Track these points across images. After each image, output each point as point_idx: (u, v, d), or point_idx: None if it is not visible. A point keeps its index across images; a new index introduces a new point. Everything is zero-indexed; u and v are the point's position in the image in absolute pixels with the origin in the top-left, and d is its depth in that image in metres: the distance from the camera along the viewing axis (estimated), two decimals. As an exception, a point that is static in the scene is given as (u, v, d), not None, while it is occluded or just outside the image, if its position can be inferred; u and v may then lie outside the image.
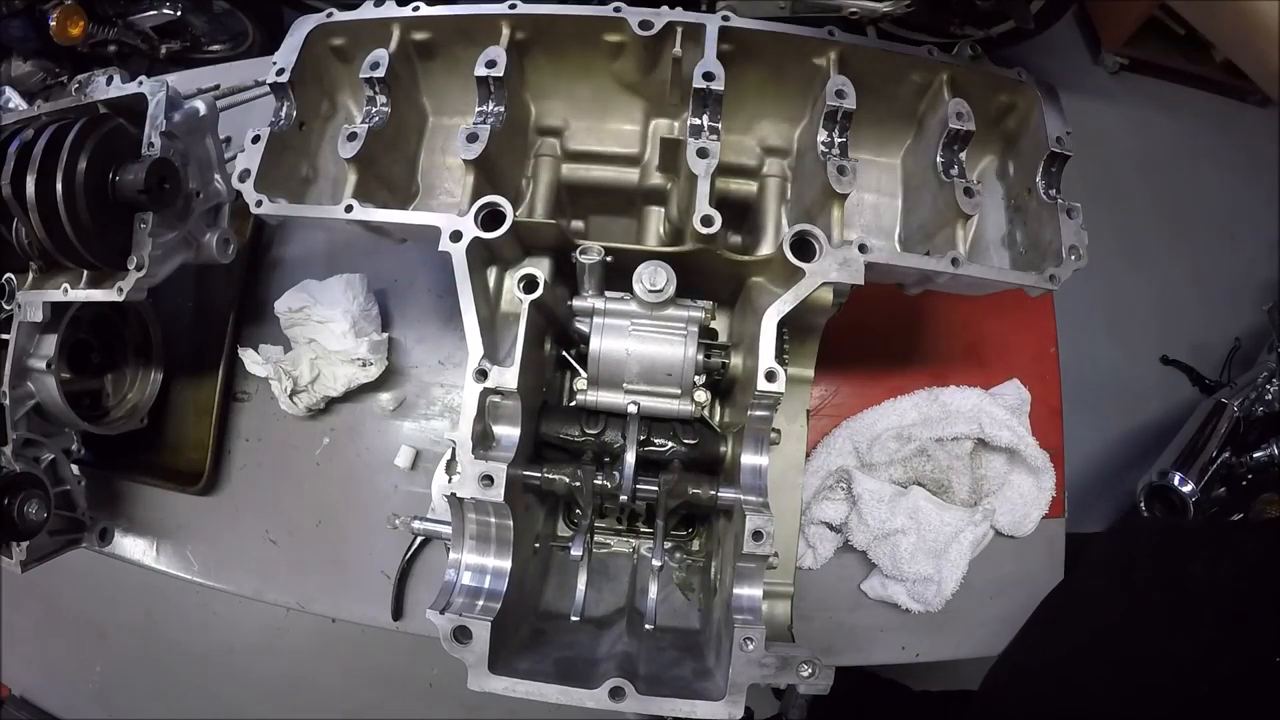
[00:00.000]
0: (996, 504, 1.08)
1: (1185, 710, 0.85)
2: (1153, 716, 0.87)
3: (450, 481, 0.69)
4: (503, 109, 0.85)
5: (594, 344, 0.79)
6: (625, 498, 0.76)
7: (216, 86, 1.24)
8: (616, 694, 0.64)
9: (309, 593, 1.15)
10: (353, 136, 0.83)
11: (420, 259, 1.23)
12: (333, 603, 1.15)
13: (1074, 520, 1.12)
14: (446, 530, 0.84)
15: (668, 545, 0.94)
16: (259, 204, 0.82)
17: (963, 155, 0.86)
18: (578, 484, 0.76)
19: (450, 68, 0.93)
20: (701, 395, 0.81)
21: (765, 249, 0.93)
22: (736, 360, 0.81)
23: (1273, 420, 1.82)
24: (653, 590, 0.74)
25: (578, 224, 1.08)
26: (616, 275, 0.80)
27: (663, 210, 0.99)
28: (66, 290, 0.92)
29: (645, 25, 0.83)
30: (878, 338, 1.14)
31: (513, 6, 0.85)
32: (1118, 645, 0.96)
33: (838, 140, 0.82)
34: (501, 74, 0.83)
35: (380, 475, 1.17)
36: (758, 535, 0.68)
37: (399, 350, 1.20)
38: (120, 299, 0.88)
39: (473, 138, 0.82)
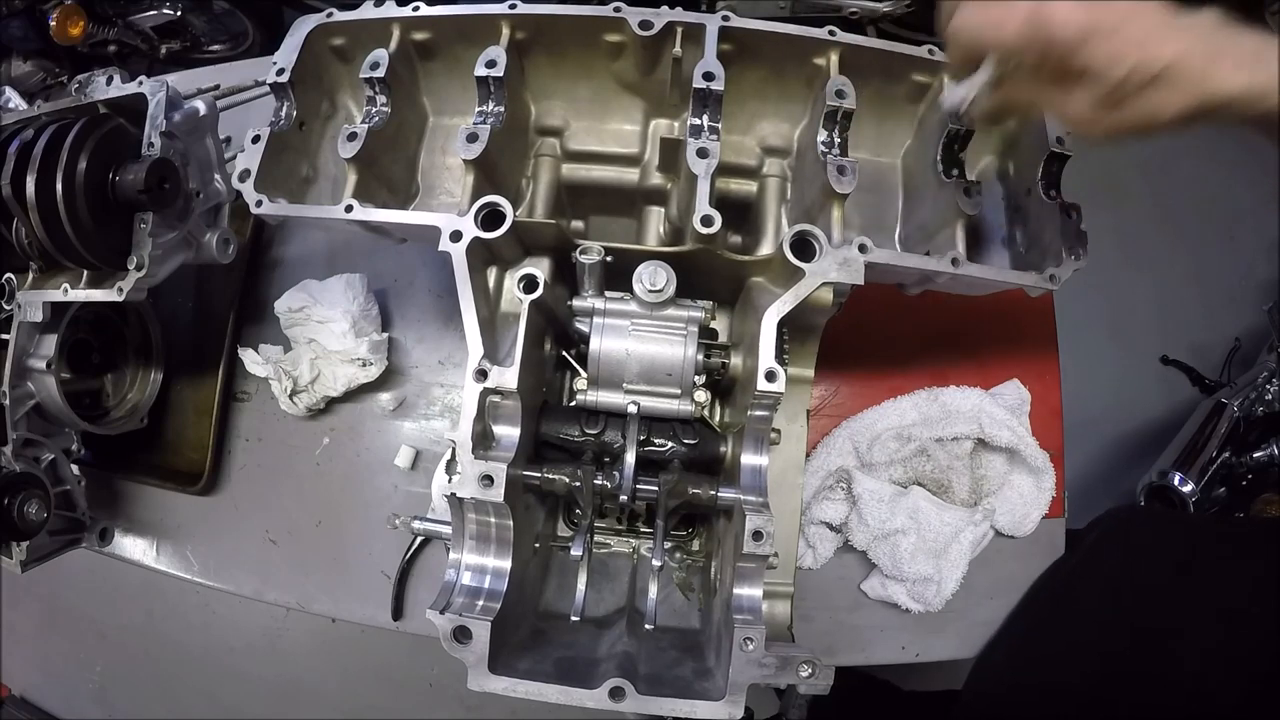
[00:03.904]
0: (996, 504, 1.08)
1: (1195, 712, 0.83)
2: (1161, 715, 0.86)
3: (450, 481, 0.69)
4: (503, 109, 0.85)
5: (594, 344, 0.79)
6: (625, 498, 0.76)
7: (216, 86, 1.25)
8: (617, 694, 0.64)
9: (309, 593, 1.15)
10: (353, 136, 0.83)
11: (420, 259, 1.23)
12: (333, 603, 1.14)
13: (1074, 520, 1.12)
14: (446, 530, 0.83)
15: (668, 545, 0.94)
16: (259, 204, 0.82)
17: (963, 155, 0.86)
18: (578, 484, 0.76)
19: (450, 68, 0.93)
20: (701, 395, 0.81)
21: (765, 249, 0.93)
22: (736, 360, 0.81)
23: (1273, 420, 1.82)
24: (653, 590, 0.74)
25: (578, 224, 1.08)
26: (616, 275, 0.80)
27: (663, 210, 0.99)
28: (66, 290, 0.92)
29: (645, 25, 0.83)
30: (878, 338, 1.14)
31: (513, 6, 0.85)
32: (1121, 638, 0.94)
33: (838, 140, 0.82)
34: (501, 74, 0.83)
35: (380, 475, 1.17)
36: (758, 535, 0.68)
37: (399, 350, 1.20)
38: (120, 299, 0.88)
39: (473, 138, 0.82)
